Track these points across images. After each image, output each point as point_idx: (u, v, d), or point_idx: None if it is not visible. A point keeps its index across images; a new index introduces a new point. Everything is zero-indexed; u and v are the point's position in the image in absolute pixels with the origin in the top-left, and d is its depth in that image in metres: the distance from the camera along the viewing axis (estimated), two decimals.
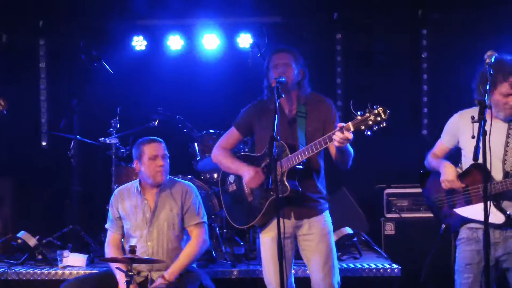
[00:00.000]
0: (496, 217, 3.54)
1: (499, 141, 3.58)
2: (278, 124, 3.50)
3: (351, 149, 3.70)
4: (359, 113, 3.35)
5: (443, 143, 3.92)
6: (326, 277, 3.80)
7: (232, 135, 4.12)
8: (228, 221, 4.16)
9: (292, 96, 3.90)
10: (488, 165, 3.33)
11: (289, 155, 3.70)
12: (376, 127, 3.31)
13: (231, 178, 4.09)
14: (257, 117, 3.98)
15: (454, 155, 3.92)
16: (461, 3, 6.70)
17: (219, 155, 4.09)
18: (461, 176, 3.75)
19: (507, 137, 3.61)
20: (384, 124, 3.30)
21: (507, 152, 3.59)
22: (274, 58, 3.89)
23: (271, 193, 3.67)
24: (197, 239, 4.25)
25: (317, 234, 3.83)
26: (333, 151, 3.75)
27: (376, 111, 3.30)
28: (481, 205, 3.38)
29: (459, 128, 3.77)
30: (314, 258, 3.83)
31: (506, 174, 3.58)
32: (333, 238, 3.92)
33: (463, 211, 3.74)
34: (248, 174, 3.85)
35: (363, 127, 3.33)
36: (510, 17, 6.51)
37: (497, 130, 3.54)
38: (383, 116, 3.28)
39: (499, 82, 3.52)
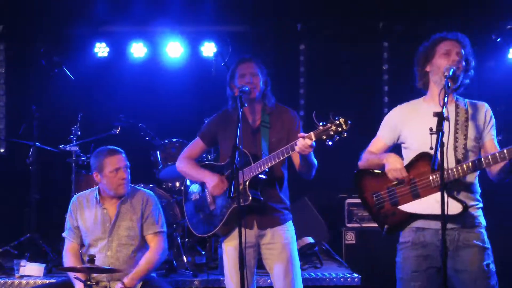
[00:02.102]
0: (451, 207, 3.15)
1: (449, 127, 3.23)
2: (241, 133, 3.51)
3: (315, 160, 3.74)
4: (321, 123, 3.39)
5: (381, 140, 3.65)
6: (288, 286, 3.81)
7: (196, 145, 4.11)
8: (190, 230, 4.14)
9: (256, 106, 3.92)
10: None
11: (252, 164, 3.71)
12: (337, 137, 3.35)
13: (195, 187, 4.08)
14: (222, 127, 3.98)
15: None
16: (421, 16, 6.84)
17: (184, 165, 4.08)
18: (406, 168, 3.40)
19: (456, 123, 3.39)
20: (345, 135, 3.35)
21: (457, 139, 3.36)
22: (241, 68, 3.89)
23: (233, 202, 3.68)
24: (156, 247, 4.20)
25: (280, 243, 3.84)
26: (296, 161, 3.78)
27: (338, 122, 3.34)
28: (432, 197, 3.28)
29: (401, 121, 3.56)
30: (277, 267, 3.84)
31: (458, 162, 3.31)
32: (296, 248, 3.94)
33: (410, 207, 3.40)
34: (212, 181, 3.85)
35: (324, 137, 3.37)
36: (468, 29, 6.67)
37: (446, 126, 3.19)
38: (344, 127, 3.33)
39: (437, 47, 3.44)
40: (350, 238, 5.95)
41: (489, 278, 3.35)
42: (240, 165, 3.48)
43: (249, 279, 3.81)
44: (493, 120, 3.45)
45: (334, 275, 5.18)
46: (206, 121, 4.12)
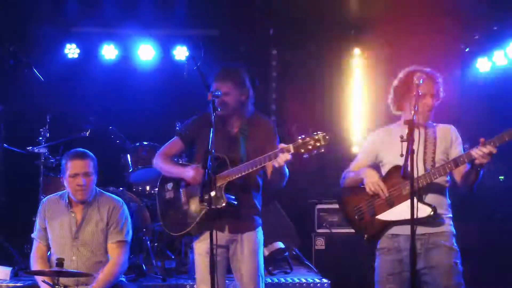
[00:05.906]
0: (421, 211, 3.46)
1: (419, 143, 3.61)
2: (213, 138, 3.51)
3: (286, 170, 3.77)
4: (300, 136, 3.46)
5: (361, 159, 3.95)
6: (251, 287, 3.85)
7: (175, 144, 4.11)
8: (160, 234, 4.12)
9: (235, 115, 3.94)
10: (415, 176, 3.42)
11: (230, 169, 3.72)
12: (315, 152, 3.43)
13: (169, 185, 4.08)
14: (200, 130, 3.97)
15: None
16: (394, 25, 6.93)
17: (161, 162, 4.08)
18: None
19: (425, 140, 3.71)
20: (322, 150, 3.43)
21: (426, 153, 3.69)
22: (214, 85, 3.89)
23: (205, 204, 3.68)
24: (116, 261, 4.10)
25: (248, 248, 3.86)
26: (269, 170, 3.81)
27: (317, 137, 3.42)
28: (404, 204, 3.57)
29: (379, 142, 3.86)
30: (242, 270, 3.86)
31: (426, 171, 3.64)
32: (262, 253, 3.97)
33: (386, 215, 3.70)
34: (189, 173, 3.84)
35: (302, 150, 3.45)
36: (438, 39, 6.80)
37: (417, 134, 3.61)
38: (322, 143, 3.41)
39: (412, 86, 3.59)
40: (320, 244, 5.99)
41: (457, 275, 3.65)
42: (213, 170, 3.49)
43: (221, 283, 3.80)
44: (459, 139, 3.80)
45: (304, 280, 5.21)
46: (187, 121, 4.10)
